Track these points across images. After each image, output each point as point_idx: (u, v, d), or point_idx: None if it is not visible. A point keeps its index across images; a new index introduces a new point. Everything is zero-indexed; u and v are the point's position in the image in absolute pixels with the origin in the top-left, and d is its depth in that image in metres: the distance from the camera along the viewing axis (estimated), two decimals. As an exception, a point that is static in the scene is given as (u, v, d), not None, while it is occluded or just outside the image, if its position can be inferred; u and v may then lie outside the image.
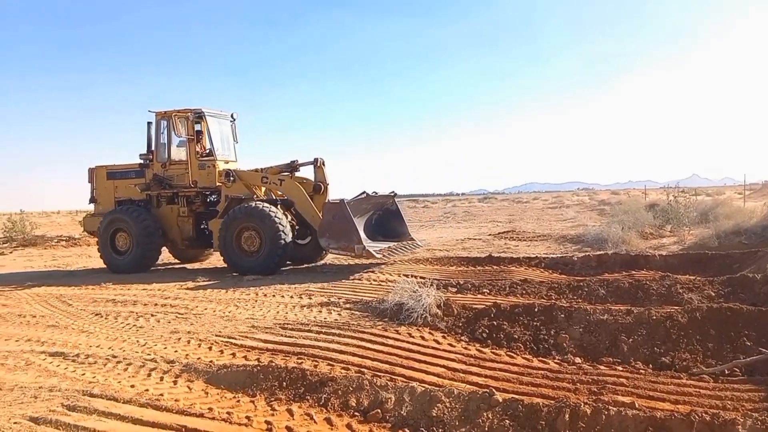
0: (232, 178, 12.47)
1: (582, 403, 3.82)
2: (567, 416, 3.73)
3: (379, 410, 4.21)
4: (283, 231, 11.47)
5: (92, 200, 14.08)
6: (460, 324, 6.67)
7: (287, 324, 6.88)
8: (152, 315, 7.79)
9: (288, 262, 12.62)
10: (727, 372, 5.02)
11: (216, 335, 6.53)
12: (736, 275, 8.08)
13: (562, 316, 6.33)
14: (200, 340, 6.36)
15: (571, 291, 8.34)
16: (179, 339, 6.46)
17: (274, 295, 8.97)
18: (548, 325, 6.27)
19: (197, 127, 12.92)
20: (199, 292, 9.56)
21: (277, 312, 7.73)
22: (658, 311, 6.08)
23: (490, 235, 18.80)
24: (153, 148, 13.23)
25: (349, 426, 4.07)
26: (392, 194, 13.47)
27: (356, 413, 4.25)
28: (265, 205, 11.79)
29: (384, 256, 11.37)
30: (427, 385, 4.53)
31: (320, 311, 7.66)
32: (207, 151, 13.08)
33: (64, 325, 7.45)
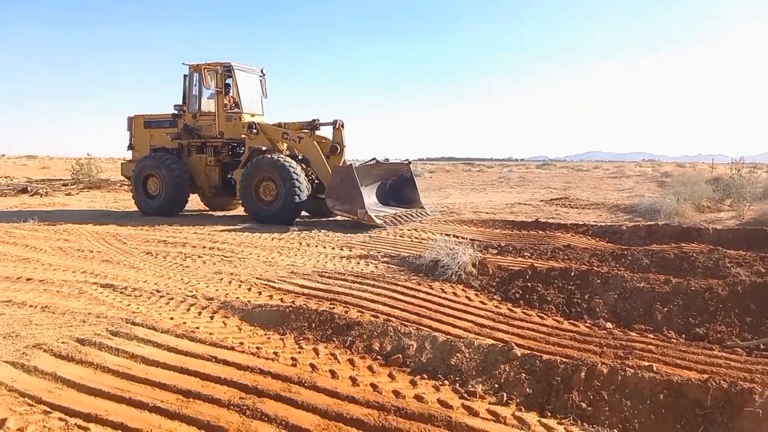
0: (255, 131, 12.93)
1: (599, 363, 3.84)
2: (583, 374, 3.76)
3: (400, 355, 4.35)
4: (299, 186, 11.98)
5: (130, 147, 14.90)
6: (494, 283, 6.70)
7: (325, 272, 7.08)
8: (199, 256, 8.15)
9: (307, 214, 13.46)
10: (762, 347, 4.91)
11: (257, 278, 6.80)
12: (791, 253, 7.76)
13: (598, 281, 6.27)
14: (241, 281, 6.64)
15: (614, 259, 8.20)
16: (221, 279, 6.76)
17: (316, 246, 9.21)
18: (583, 289, 6.24)
19: (227, 81, 13.48)
20: (246, 238, 9.91)
21: (317, 261, 7.96)
22: (697, 282, 5.96)
23: (541, 200, 18.53)
24: (186, 100, 13.93)
25: (370, 368, 4.22)
26: (407, 161, 14.06)
27: (378, 357, 4.39)
28: (285, 158, 12.27)
29: (386, 222, 11.62)
30: (449, 336, 4.63)
31: (358, 263, 7.83)
32: (234, 104, 13.61)
33: (117, 260, 7.90)
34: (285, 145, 13.06)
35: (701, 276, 7.10)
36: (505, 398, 3.77)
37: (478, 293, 6.42)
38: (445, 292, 6.32)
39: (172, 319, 5.13)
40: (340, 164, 12.35)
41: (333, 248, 9.01)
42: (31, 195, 19.38)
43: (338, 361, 4.29)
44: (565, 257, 8.51)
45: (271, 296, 6.04)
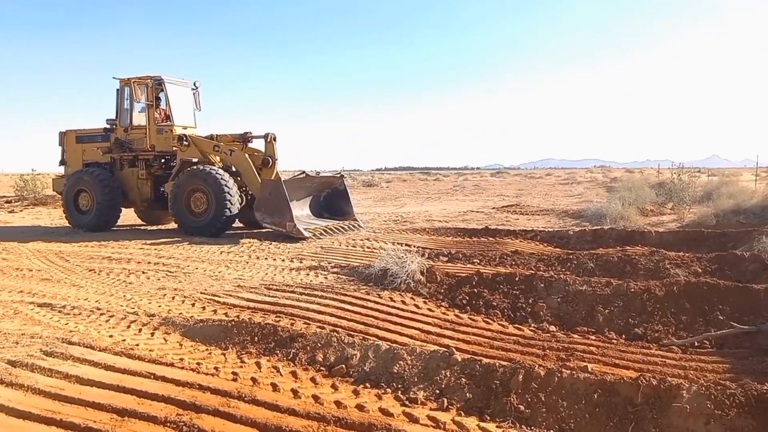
0: (186, 143, 12.83)
1: (537, 365, 3.90)
2: (521, 377, 3.82)
3: (343, 365, 4.34)
4: (230, 198, 11.95)
5: (62, 163, 14.65)
6: (442, 290, 6.77)
7: (272, 285, 7.02)
8: (143, 272, 7.97)
9: (242, 225, 13.59)
10: (696, 344, 5.08)
11: (201, 293, 6.69)
12: (725, 252, 8.07)
13: (542, 285, 6.40)
14: (185, 296, 6.52)
15: (560, 263, 8.38)
16: (165, 295, 6.63)
17: (266, 258, 9.12)
18: (527, 294, 6.35)
19: (158, 94, 13.51)
20: (193, 252, 9.74)
21: (266, 274, 7.88)
22: (636, 284, 6.13)
23: (493, 208, 18.80)
24: (118, 114, 13.87)
25: (312, 379, 4.19)
26: (340, 174, 14.22)
27: (322, 368, 4.37)
28: (215, 169, 12.23)
29: (316, 235, 11.65)
30: (392, 344, 4.64)
31: (308, 274, 7.80)
32: (166, 117, 13.60)
33: (57, 278, 7.66)
34: (217, 157, 13.00)
35: (643, 277, 7.31)
36: (445, 404, 3.80)
37: (427, 300, 6.47)
38: (394, 301, 6.35)
39: (111, 336, 5.00)
40: (272, 177, 12.28)
41: (283, 260, 8.94)
42: (-29, 213, 18.65)
43: (281, 374, 4.25)
44: (513, 263, 8.64)
45: (215, 311, 5.95)
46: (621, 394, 3.55)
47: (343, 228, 12.61)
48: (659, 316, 5.64)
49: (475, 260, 8.90)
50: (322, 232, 11.95)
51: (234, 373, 4.19)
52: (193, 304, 6.22)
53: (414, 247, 10.18)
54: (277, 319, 5.57)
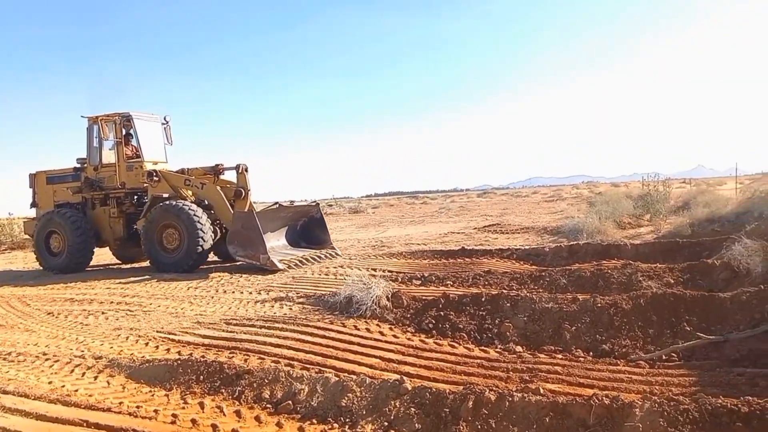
0: (156, 178, 12.63)
1: (487, 390, 3.71)
2: (471, 403, 3.63)
3: (290, 401, 4.13)
4: (202, 235, 11.71)
5: (33, 205, 14.35)
6: (409, 315, 6.58)
7: (233, 320, 6.80)
8: (103, 312, 7.73)
9: (219, 259, 13.43)
10: (664, 357, 4.92)
11: (157, 331, 6.45)
12: (697, 262, 7.95)
13: (508, 305, 6.23)
14: (140, 336, 6.29)
15: (532, 281, 8.23)
16: (119, 335, 6.39)
17: (233, 292, 8.89)
18: (494, 314, 6.18)
19: (128, 131, 13.35)
20: (160, 290, 9.48)
21: (229, 308, 7.66)
22: (603, 299, 5.97)
23: (474, 228, 18.66)
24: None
25: (257, 418, 3.98)
26: (315, 203, 14.11)
27: (268, 405, 4.17)
28: (187, 204, 12.00)
29: (291, 265, 11.42)
30: (344, 375, 4.44)
31: (272, 306, 7.58)
32: (136, 154, 13.43)
33: (11, 324, 7.40)
34: (189, 191, 12.75)
35: (616, 291, 7.16)
36: (393, 437, 3.60)
37: (393, 327, 6.28)
38: (358, 329, 6.15)
39: (50, 383, 4.76)
40: (245, 209, 12.15)
41: (251, 293, 8.71)
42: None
43: (224, 414, 4.04)
44: (486, 283, 8.48)
45: (168, 350, 5.72)
46: (573, 416, 3.37)
47: (319, 257, 12.40)
48: (627, 330, 5.48)
49: (448, 282, 8.74)
50: (298, 262, 11.71)
51: (174, 416, 3.97)
52: (146, 344, 5.99)
53: (387, 271, 10.02)
54: (231, 355, 5.35)
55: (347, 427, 3.78)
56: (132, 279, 10.98)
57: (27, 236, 15.77)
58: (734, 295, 5.51)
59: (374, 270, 10.19)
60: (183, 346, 5.80)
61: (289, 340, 5.77)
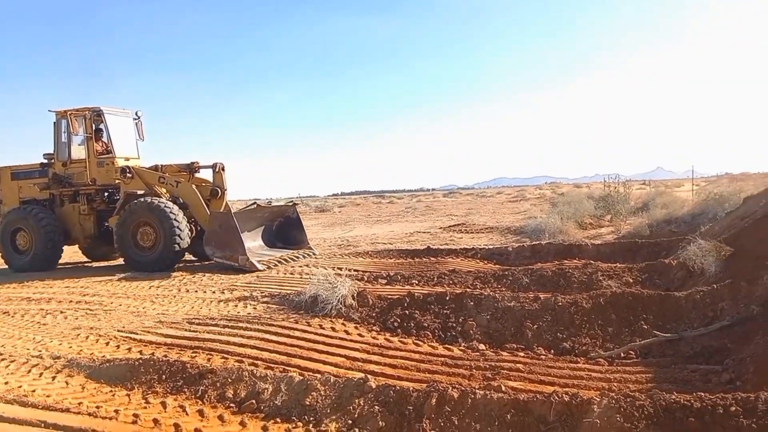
0: (129, 175, 12.30)
1: (450, 388, 3.76)
2: (434, 400, 3.67)
3: (254, 401, 4.11)
4: (179, 233, 11.48)
5: None
6: (374, 314, 6.60)
7: (195, 319, 6.72)
8: (61, 312, 7.55)
9: (194, 258, 13.13)
10: (623, 355, 5.05)
11: (118, 331, 6.33)
12: (655, 261, 8.18)
13: (472, 303, 6.30)
14: (100, 335, 6.17)
15: (496, 280, 8.35)
16: (78, 335, 6.26)
17: (196, 291, 8.78)
18: (458, 312, 6.24)
19: (98, 126, 12.99)
20: (120, 288, 9.30)
21: (192, 307, 7.57)
22: (564, 297, 6.09)
23: (440, 228, 18.80)
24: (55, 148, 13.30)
25: (220, 417, 3.96)
26: (292, 203, 14.01)
27: (232, 404, 4.15)
28: (163, 201, 11.77)
29: (270, 266, 11.27)
30: (308, 374, 4.44)
31: (236, 305, 7.52)
32: (107, 150, 13.11)
33: (-36, 324, 7.17)
34: (163, 189, 12.40)
35: (576, 290, 7.31)
36: (357, 434, 3.62)
37: (358, 325, 6.30)
38: (323, 328, 6.15)
39: (6, 383, 4.65)
40: (221, 209, 11.95)
41: (214, 292, 8.62)
42: None
43: (186, 413, 4.00)
44: (451, 281, 8.57)
45: (129, 349, 5.63)
46: (534, 413, 3.44)
47: (297, 257, 12.24)
48: (587, 328, 5.61)
49: (413, 281, 8.80)
50: (276, 262, 11.54)
51: (135, 415, 3.92)
52: (107, 343, 5.88)
53: (353, 271, 10.02)
54: (194, 354, 5.30)
55: (311, 425, 3.79)
56: (92, 278, 10.72)
57: None
58: (689, 294, 5.68)
59: (340, 269, 10.19)
60: (145, 346, 5.71)
61: (253, 339, 5.74)
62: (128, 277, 10.61)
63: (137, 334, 6.16)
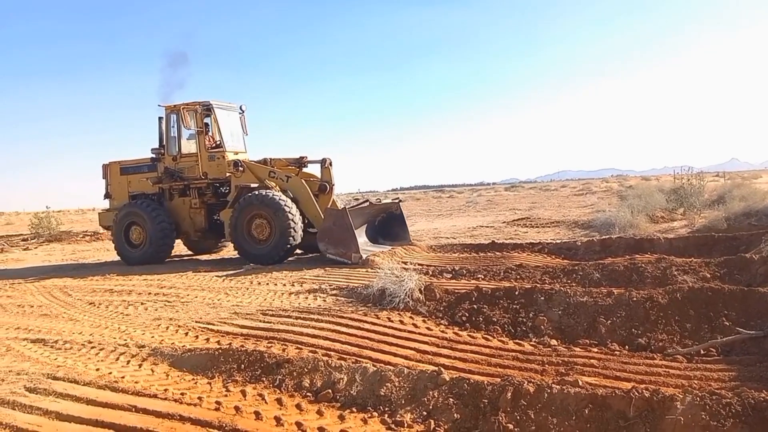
0: (241, 168, 12.44)
1: (526, 382, 3.75)
2: (509, 394, 3.67)
3: (330, 390, 4.21)
4: (293, 226, 11.49)
5: (107, 196, 14.11)
6: (442, 308, 6.61)
7: (269, 310, 6.91)
8: (142, 303, 7.92)
9: (300, 251, 12.89)
10: (702, 352, 4.89)
11: (196, 321, 6.60)
12: (734, 256, 7.84)
13: (542, 298, 6.23)
14: (179, 326, 6.44)
15: (565, 275, 8.20)
16: (159, 325, 6.56)
17: (267, 283, 9.02)
18: (528, 308, 6.18)
19: (206, 120, 13.02)
20: (195, 281, 9.67)
21: (264, 299, 7.79)
22: (639, 293, 5.94)
23: (503, 222, 18.60)
24: (164, 142, 13.39)
25: (298, 406, 4.08)
26: (397, 200, 13.82)
27: (308, 393, 4.26)
28: (278, 195, 11.75)
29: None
30: (381, 365, 4.51)
31: (306, 298, 7.69)
32: (216, 143, 13.14)
33: (56, 314, 7.63)
34: (272, 183, 12.35)
35: (650, 285, 7.10)
36: (432, 425, 3.66)
37: (426, 319, 6.32)
38: (392, 321, 6.21)
39: (98, 370, 4.92)
40: (330, 203, 12.00)
41: (284, 284, 8.84)
42: (-13, 253, 18.82)
43: (265, 402, 4.14)
44: (518, 276, 8.48)
45: (208, 339, 5.86)
46: (613, 408, 3.39)
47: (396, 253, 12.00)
48: (663, 324, 5.45)
49: (479, 276, 8.75)
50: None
51: (217, 403, 4.09)
52: (186, 334, 6.14)
53: (418, 264, 10.05)
54: (269, 345, 5.46)
55: (386, 415, 3.85)
56: (168, 272, 11.12)
57: (103, 228, 15.10)
58: (775, 290, 5.44)
59: (405, 263, 10.23)
60: (222, 336, 5.93)
61: (324, 330, 5.86)
62: (202, 270, 10.99)
63: (214, 324, 6.40)
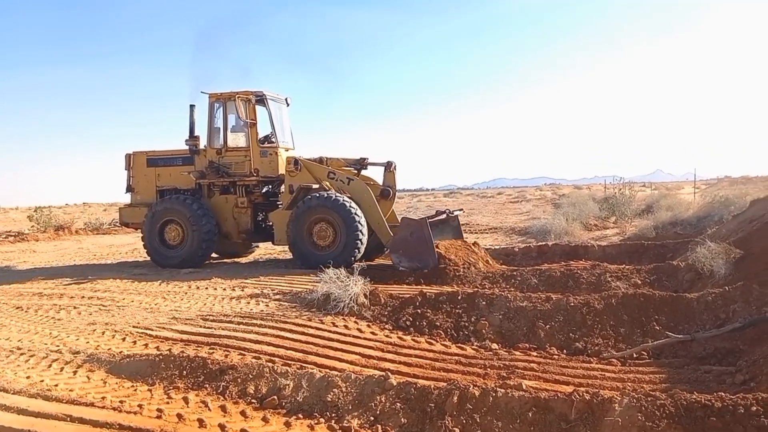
0: (299, 167, 11.32)
1: (471, 386, 3.82)
2: (456, 398, 3.74)
3: (275, 397, 4.18)
4: (361, 229, 10.51)
5: (129, 189, 12.50)
6: (386, 313, 6.66)
7: (209, 315, 6.78)
8: (75, 307, 7.59)
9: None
10: (635, 355, 5.11)
11: (133, 326, 6.39)
12: (662, 263, 8.24)
13: (484, 303, 6.36)
14: (116, 331, 6.23)
15: (504, 280, 8.40)
16: (94, 330, 6.31)
17: (206, 288, 8.81)
18: (470, 312, 6.30)
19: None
20: (131, 285, 9.31)
21: (204, 304, 7.61)
22: (576, 298, 6.16)
23: (443, 228, 18.82)
24: (196, 133, 12.10)
25: (243, 413, 4.02)
26: (461, 211, 12.86)
27: (253, 400, 4.21)
28: (347, 198, 10.74)
29: None
30: (327, 371, 4.50)
31: (248, 302, 7.57)
32: (264, 138, 11.92)
33: (-22, 319, 7.21)
34: (327, 183, 11.22)
35: (585, 291, 7.36)
36: (380, 430, 3.68)
37: (370, 324, 6.35)
38: (336, 326, 6.20)
39: (28, 378, 4.69)
40: (390, 209, 11.18)
41: (224, 289, 8.66)
42: None
43: (209, 409, 4.06)
44: (459, 281, 8.62)
45: (146, 345, 5.69)
46: (555, 411, 3.51)
47: None
48: (599, 329, 5.67)
49: (421, 280, 8.84)
50: None
51: (159, 410, 3.98)
52: (123, 339, 5.94)
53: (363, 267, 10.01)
54: (211, 351, 5.35)
55: (333, 421, 3.85)
56: (103, 274, 10.63)
57: (122, 225, 13.56)
58: (701, 296, 5.75)
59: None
60: (161, 342, 5.78)
61: (268, 336, 5.80)
62: (136, 274, 10.62)
63: (153, 330, 6.21)
